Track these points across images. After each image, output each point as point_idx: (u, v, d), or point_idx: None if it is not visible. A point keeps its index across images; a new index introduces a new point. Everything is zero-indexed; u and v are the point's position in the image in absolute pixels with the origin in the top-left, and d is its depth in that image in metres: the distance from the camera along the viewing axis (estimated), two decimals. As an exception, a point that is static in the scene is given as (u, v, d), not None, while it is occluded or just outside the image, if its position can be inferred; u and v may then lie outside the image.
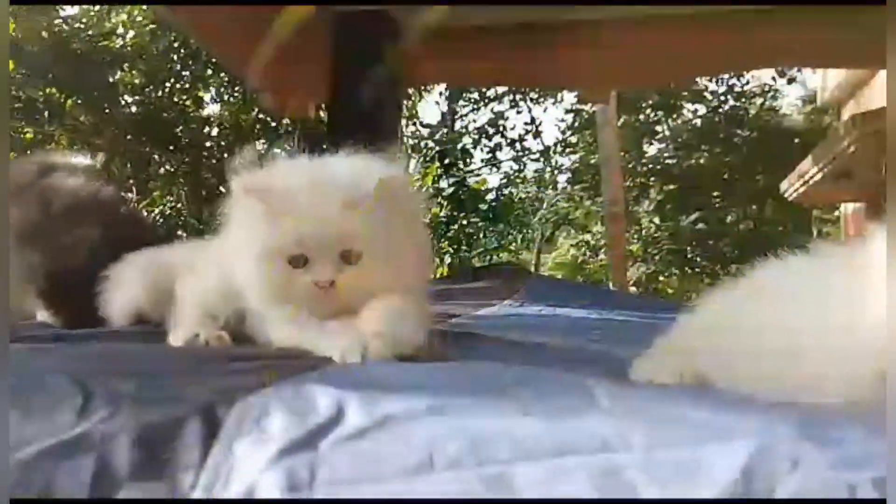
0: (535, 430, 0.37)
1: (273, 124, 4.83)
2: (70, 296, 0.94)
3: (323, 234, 0.63)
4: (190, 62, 4.30)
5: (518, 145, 8.05)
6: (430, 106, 8.17)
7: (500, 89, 7.60)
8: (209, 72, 4.40)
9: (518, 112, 7.93)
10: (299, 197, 0.64)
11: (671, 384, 0.58)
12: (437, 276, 4.68)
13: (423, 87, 6.68)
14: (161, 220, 4.09)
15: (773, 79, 7.11)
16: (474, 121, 8.03)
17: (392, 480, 0.35)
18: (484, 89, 7.57)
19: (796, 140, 6.79)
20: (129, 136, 4.16)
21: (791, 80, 7.25)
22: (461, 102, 8.01)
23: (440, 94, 7.58)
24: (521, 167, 7.97)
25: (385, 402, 0.42)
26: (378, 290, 0.65)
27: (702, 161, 7.41)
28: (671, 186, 7.43)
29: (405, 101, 7.06)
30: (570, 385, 0.44)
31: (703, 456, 0.34)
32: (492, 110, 7.96)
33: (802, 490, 0.32)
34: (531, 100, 7.71)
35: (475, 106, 7.99)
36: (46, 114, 3.94)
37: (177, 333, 0.71)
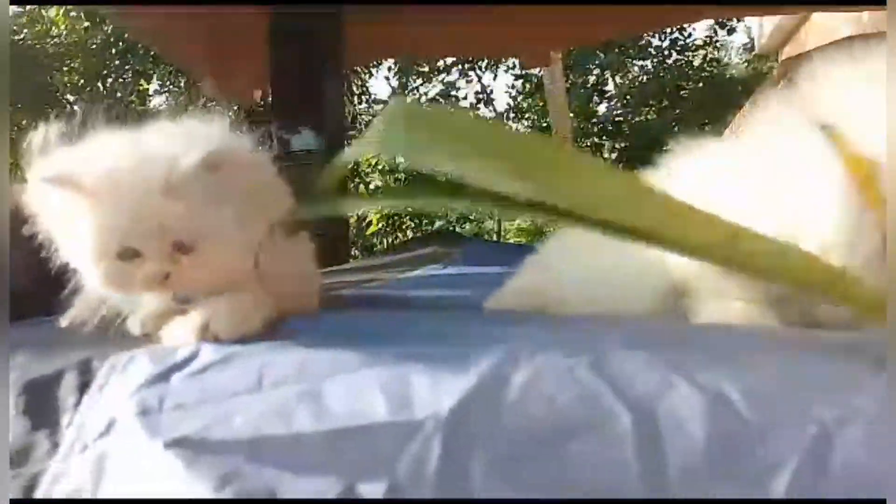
0: (348, 355, 0.46)
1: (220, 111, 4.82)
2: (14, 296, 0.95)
3: (146, 226, 0.54)
4: (128, 55, 4.26)
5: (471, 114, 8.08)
6: (381, 82, 8.13)
7: (450, 60, 7.61)
8: (149, 64, 4.37)
9: (468, 81, 7.96)
10: (113, 183, 0.54)
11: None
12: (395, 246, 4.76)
13: (369, 64, 6.67)
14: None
15: (714, 30, 7.24)
16: (426, 94, 8.04)
17: (226, 400, 0.43)
18: (433, 61, 7.58)
19: (740, 88, 6.94)
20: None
21: (731, 31, 7.38)
22: (412, 76, 8.01)
23: (389, 69, 7.58)
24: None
25: (236, 345, 0.50)
26: (225, 273, 0.57)
27: (650, 116, 7.54)
28: (623, 144, 7.55)
29: (354, 80, 7.04)
30: (402, 321, 0.53)
31: (470, 357, 0.43)
32: (442, 81, 7.98)
33: (534, 373, 0.41)
34: (480, 68, 7.75)
35: (425, 78, 7.99)
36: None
37: (65, 315, 0.65)
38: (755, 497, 0.37)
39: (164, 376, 0.46)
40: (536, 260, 0.75)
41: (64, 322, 0.63)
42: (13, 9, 4.39)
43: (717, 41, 7.68)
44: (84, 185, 0.54)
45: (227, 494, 0.38)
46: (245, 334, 0.52)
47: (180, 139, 0.57)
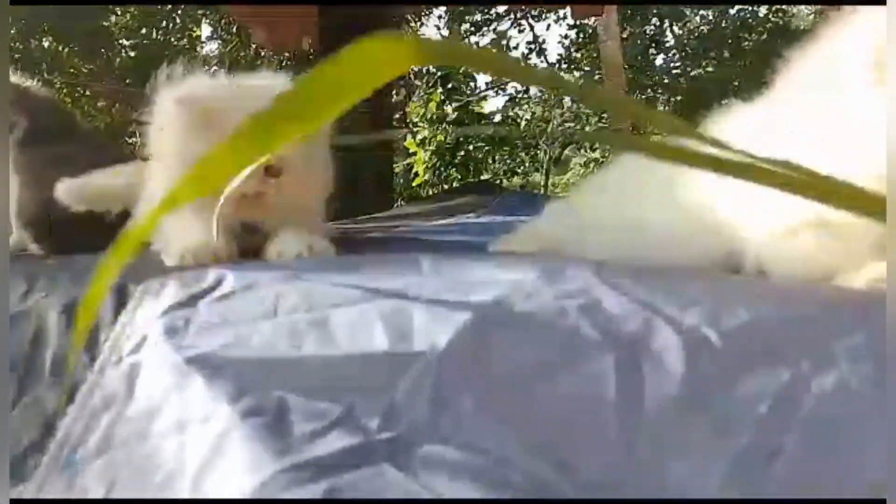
0: (356, 287, 0.49)
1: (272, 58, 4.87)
2: (53, 225, 1.02)
3: None
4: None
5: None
6: (432, 30, 8.02)
7: (501, 9, 7.45)
8: (200, 10, 4.42)
9: (520, 31, 7.79)
10: (227, 112, 0.67)
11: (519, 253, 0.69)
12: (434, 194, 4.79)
13: (420, 12, 6.59)
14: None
15: (781, -22, 6.87)
16: (477, 43, 7.91)
17: (244, 324, 0.47)
18: (485, 9, 7.43)
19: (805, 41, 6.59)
20: (128, 81, 4.24)
21: (799, -22, 6.99)
22: (463, 26, 7.88)
23: (439, 17, 7.47)
24: (526, 87, 7.88)
25: (255, 274, 0.54)
26: (295, 202, 0.72)
27: (710, 69, 7.26)
28: (678, 98, 7.31)
29: (405, 28, 6.96)
30: (409, 261, 0.55)
31: (468, 298, 0.46)
32: (494, 30, 7.83)
33: (526, 313, 0.44)
34: (533, 17, 7.56)
35: (476, 27, 7.85)
36: (44, 64, 4.02)
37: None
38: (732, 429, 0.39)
39: (190, 301, 0.50)
40: (557, 207, 0.77)
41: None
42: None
43: (783, -11, 7.29)
44: (204, 106, 0.68)
45: (241, 406, 0.42)
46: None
47: (281, 86, 0.71)
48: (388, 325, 0.45)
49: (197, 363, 0.45)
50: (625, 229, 0.66)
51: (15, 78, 1.08)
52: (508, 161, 7.75)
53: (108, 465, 0.42)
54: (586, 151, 8.01)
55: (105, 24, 4.32)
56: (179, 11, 4.42)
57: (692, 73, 7.24)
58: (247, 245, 0.71)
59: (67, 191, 0.89)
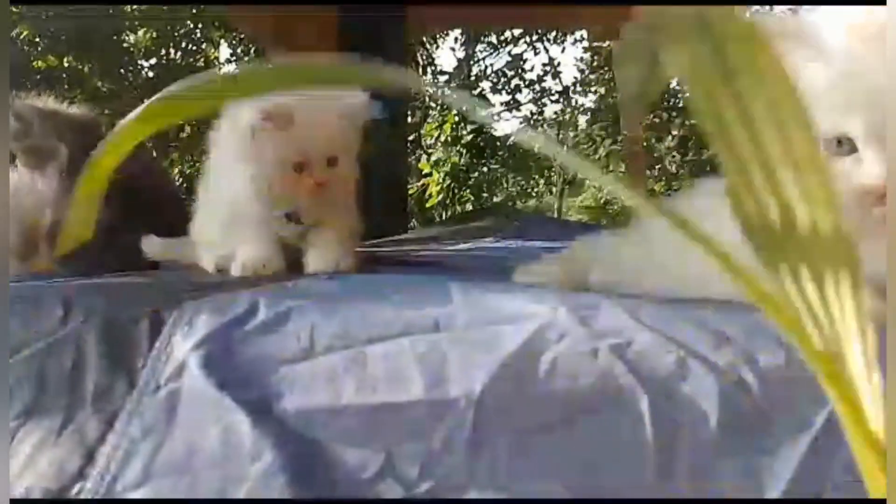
0: (389, 318, 0.50)
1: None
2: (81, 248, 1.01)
3: (321, 143, 0.78)
4: (199, 22, 4.39)
5: (537, 86, 7.96)
6: (447, 53, 8.07)
7: (517, 31, 7.50)
8: (217, 31, 4.49)
9: (536, 53, 7.84)
10: (304, 113, 0.77)
11: (545, 286, 0.68)
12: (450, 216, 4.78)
13: (436, 34, 6.65)
14: (182, 181, 4.26)
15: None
16: (491, 65, 7.97)
17: (284, 365, 0.47)
18: (500, 33, 7.49)
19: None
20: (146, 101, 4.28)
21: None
22: (479, 47, 7.94)
23: (455, 40, 7.54)
24: (541, 109, 7.92)
25: (289, 301, 0.54)
26: (346, 192, 0.83)
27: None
28: (693, 121, 7.31)
29: (420, 50, 7.03)
30: (436, 287, 0.56)
31: (500, 333, 0.46)
32: (509, 53, 7.88)
33: (561, 353, 0.44)
34: (548, 40, 7.61)
35: (492, 50, 7.92)
36: (66, 83, 4.08)
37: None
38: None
39: (226, 330, 0.51)
40: (587, 241, 0.77)
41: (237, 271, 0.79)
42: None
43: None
44: (285, 113, 0.76)
45: (284, 455, 0.42)
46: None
47: (342, 91, 0.80)
48: (423, 367, 0.45)
49: (240, 404, 0.45)
50: (663, 266, 0.65)
51: (49, 101, 1.08)
52: (522, 183, 7.77)
53: (149, 496, 0.42)
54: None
55: (125, 43, 4.38)
56: (198, 32, 4.48)
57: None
58: (288, 240, 0.81)
59: (151, 246, 1.01)
